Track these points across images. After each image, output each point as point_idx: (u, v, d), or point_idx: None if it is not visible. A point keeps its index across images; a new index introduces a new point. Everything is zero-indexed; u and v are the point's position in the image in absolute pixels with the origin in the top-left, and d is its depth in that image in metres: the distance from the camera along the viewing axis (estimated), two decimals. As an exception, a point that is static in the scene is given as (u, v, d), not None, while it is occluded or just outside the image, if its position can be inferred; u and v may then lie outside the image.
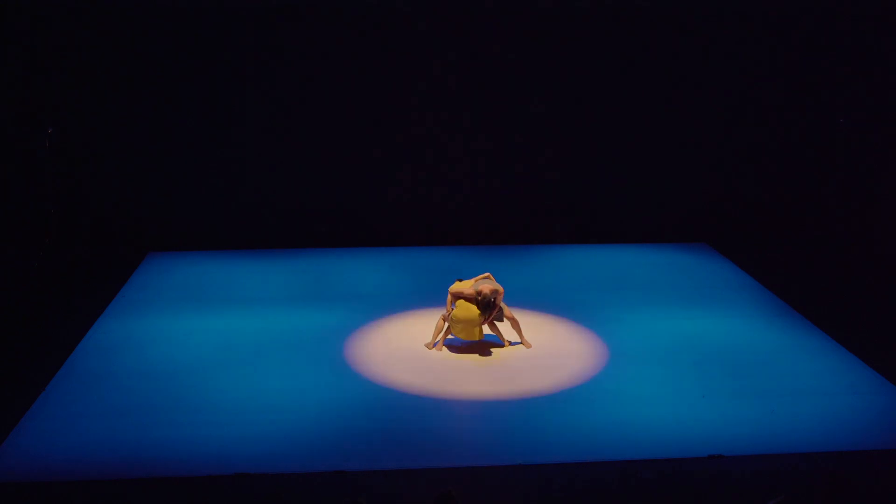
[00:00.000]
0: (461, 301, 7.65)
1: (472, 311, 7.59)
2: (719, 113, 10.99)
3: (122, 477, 5.88)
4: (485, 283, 7.65)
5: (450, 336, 7.84)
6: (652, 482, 5.87)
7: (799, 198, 11.14)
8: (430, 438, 6.43)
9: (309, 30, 10.40)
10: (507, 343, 7.95)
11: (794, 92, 10.92)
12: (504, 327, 7.99)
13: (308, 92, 10.56)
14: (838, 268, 10.13)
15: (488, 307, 7.58)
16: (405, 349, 7.90)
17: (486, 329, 7.83)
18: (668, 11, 10.67)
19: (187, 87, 10.41)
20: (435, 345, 7.88)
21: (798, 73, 10.87)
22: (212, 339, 8.10)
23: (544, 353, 7.86)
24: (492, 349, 7.87)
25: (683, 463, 6.09)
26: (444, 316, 7.84)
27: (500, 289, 7.69)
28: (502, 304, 7.79)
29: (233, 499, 5.70)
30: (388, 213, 10.94)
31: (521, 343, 7.96)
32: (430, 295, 8.91)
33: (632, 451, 6.23)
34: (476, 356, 7.76)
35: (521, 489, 5.86)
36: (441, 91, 10.70)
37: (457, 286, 7.75)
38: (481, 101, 10.77)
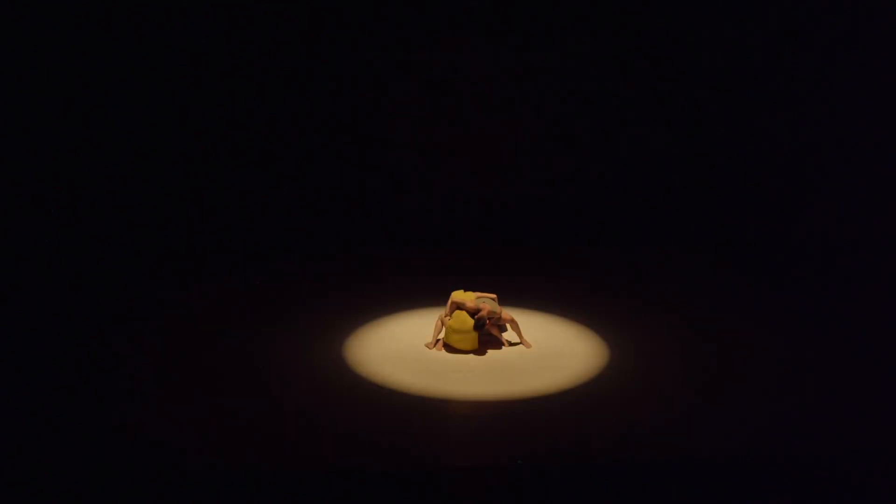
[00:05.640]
0: (459, 312, 7.68)
1: (469, 322, 7.64)
2: (719, 113, 11.00)
3: (122, 477, 5.88)
4: (487, 304, 7.71)
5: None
6: (652, 482, 5.87)
7: (799, 198, 11.14)
8: (430, 438, 6.44)
9: (306, 30, 10.41)
10: (506, 343, 7.96)
11: (792, 91, 10.92)
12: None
13: (308, 91, 10.56)
14: (837, 268, 10.13)
15: (481, 326, 7.66)
16: (405, 349, 7.91)
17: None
18: (666, 11, 10.69)
19: (187, 86, 10.40)
20: (435, 344, 7.89)
21: (796, 72, 10.88)
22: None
23: (544, 353, 7.87)
24: (491, 349, 7.89)
25: (683, 463, 6.09)
26: (441, 317, 7.87)
27: (499, 310, 7.77)
28: (499, 310, 7.82)
29: (233, 499, 5.71)
30: (389, 213, 10.94)
31: (520, 343, 7.97)
32: (429, 295, 8.91)
33: (632, 451, 6.23)
34: (476, 356, 7.77)
35: (520, 489, 5.87)
36: (440, 91, 10.71)
37: (460, 295, 7.77)
38: (481, 102, 10.78)
